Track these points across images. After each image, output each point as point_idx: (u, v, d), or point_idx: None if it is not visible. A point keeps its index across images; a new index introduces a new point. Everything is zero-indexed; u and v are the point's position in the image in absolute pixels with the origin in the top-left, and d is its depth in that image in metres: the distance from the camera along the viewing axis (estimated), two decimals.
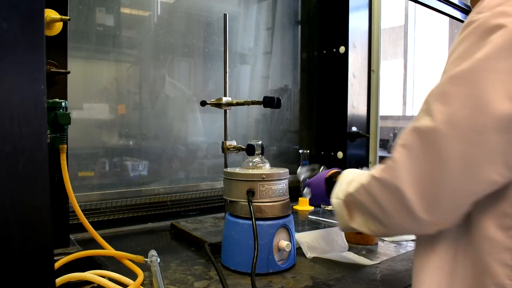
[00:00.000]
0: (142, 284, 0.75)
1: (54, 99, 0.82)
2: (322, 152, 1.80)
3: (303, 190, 1.03)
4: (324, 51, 1.82)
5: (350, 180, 0.75)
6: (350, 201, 0.73)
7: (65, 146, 0.82)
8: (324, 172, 0.96)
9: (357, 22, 1.76)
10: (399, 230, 0.68)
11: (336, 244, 1.03)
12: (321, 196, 0.93)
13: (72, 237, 0.95)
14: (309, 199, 0.98)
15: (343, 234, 1.06)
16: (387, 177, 0.60)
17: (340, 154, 1.72)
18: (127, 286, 0.74)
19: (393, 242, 1.13)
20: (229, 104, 1.05)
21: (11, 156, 0.32)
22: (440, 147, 0.54)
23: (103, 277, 0.75)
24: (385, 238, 1.15)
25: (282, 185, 0.91)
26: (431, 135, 0.55)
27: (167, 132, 1.52)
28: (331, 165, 1.80)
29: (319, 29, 1.86)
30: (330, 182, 0.89)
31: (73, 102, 1.26)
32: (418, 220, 0.58)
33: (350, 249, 1.05)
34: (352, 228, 0.75)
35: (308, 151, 1.61)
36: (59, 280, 0.71)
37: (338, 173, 0.88)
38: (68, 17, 0.82)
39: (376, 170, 0.63)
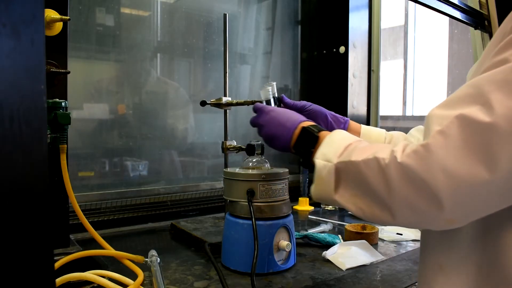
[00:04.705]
0: (142, 284, 0.75)
1: (54, 99, 0.82)
2: None
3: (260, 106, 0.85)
4: (324, 51, 1.82)
5: (348, 144, 0.63)
6: (345, 170, 0.60)
7: (65, 146, 0.82)
8: (294, 115, 0.79)
9: (357, 22, 1.76)
10: (403, 217, 0.55)
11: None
12: (281, 142, 0.77)
13: (72, 237, 0.95)
14: (258, 131, 0.82)
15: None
16: (414, 166, 0.49)
17: None
18: (127, 286, 0.74)
19: (393, 242, 1.13)
20: (229, 104, 1.05)
21: (11, 156, 0.32)
22: (492, 147, 0.45)
23: (103, 277, 0.75)
24: (385, 238, 1.15)
25: (282, 185, 0.91)
26: (484, 131, 0.46)
27: (167, 132, 1.52)
28: None
29: (319, 29, 1.86)
30: (308, 134, 0.73)
31: (73, 102, 1.26)
32: (440, 212, 0.50)
33: None
34: (332, 201, 0.63)
35: None
36: (59, 280, 0.71)
37: (319, 129, 0.73)
38: (68, 17, 0.82)
39: (399, 150, 0.52)
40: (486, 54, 0.53)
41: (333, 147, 0.64)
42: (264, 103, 0.93)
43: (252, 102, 1.01)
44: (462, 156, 0.47)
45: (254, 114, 0.86)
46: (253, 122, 0.85)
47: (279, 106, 0.97)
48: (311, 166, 0.69)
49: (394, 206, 0.54)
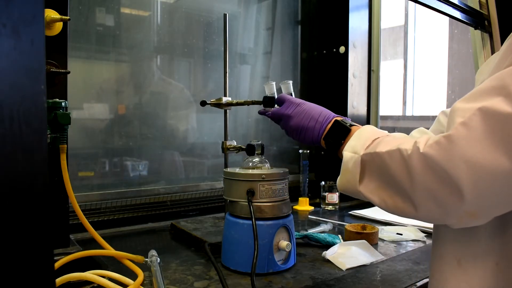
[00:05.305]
0: (142, 284, 0.75)
1: (54, 99, 0.82)
2: (322, 152, 1.80)
3: (267, 104, 0.89)
4: (324, 51, 1.82)
5: (376, 137, 0.64)
6: (371, 161, 0.62)
7: (65, 146, 0.82)
8: (325, 110, 0.81)
9: (357, 22, 1.76)
10: (425, 209, 0.55)
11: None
12: (312, 135, 0.79)
13: (72, 237, 0.95)
14: (283, 122, 0.84)
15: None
16: (436, 157, 0.50)
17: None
18: (127, 286, 0.74)
19: (393, 242, 1.13)
20: (229, 104, 1.05)
21: (11, 156, 0.32)
22: None
23: (103, 277, 0.75)
24: (385, 238, 1.14)
25: (282, 185, 0.91)
26: (507, 121, 0.47)
27: (167, 132, 1.52)
28: (331, 167, 1.80)
29: (319, 29, 1.86)
30: (341, 127, 0.75)
31: (73, 102, 1.26)
32: (461, 203, 0.50)
33: None
34: (357, 192, 0.65)
35: (308, 151, 1.60)
36: (59, 280, 0.71)
37: (351, 123, 0.76)
38: (68, 17, 0.82)
39: (422, 141, 0.53)
40: (506, 53, 0.54)
41: (362, 140, 0.66)
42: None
43: (252, 102, 1.02)
44: (484, 146, 0.48)
45: (255, 114, 0.86)
46: (277, 113, 0.85)
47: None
48: (338, 159, 0.71)
49: (416, 197, 0.55)
